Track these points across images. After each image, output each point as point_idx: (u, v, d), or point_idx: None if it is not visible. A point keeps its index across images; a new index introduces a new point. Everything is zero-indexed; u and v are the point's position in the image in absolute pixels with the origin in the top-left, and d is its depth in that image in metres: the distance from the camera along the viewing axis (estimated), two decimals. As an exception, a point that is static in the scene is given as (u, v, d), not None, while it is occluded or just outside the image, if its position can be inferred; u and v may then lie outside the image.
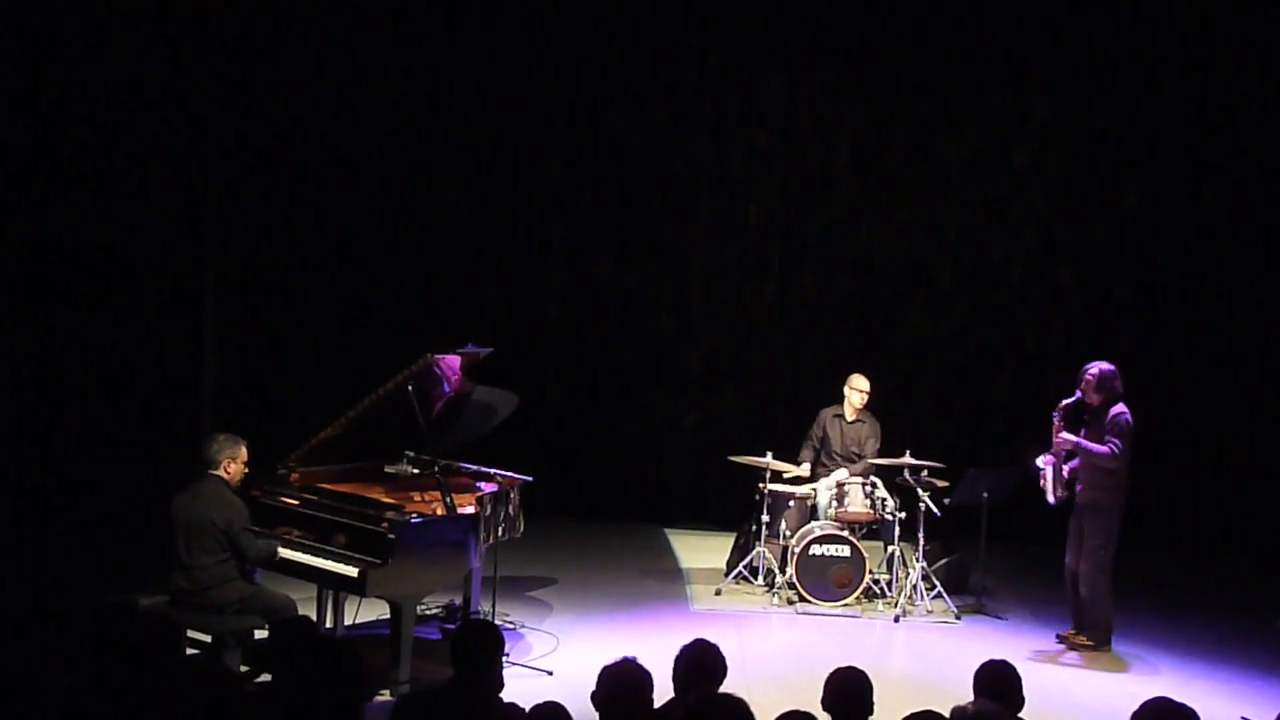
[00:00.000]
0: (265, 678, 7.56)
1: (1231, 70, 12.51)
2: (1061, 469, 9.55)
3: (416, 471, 8.88)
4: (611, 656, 5.23)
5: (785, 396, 13.04)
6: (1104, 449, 9.29)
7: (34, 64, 10.07)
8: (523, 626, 9.53)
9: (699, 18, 12.98)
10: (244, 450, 8.00)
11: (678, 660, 5.44)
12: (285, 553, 8.03)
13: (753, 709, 4.79)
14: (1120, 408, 9.38)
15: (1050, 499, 9.60)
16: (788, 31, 12.94)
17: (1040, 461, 9.63)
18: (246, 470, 8.05)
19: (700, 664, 5.42)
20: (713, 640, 5.51)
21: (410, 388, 8.18)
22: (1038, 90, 12.83)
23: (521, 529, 8.99)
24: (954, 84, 12.85)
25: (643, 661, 5.20)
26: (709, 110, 13.15)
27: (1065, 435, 9.49)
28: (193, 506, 7.78)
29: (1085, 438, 9.44)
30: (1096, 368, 9.48)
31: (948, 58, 12.80)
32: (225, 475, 7.90)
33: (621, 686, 5.10)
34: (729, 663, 5.52)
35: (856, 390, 11.14)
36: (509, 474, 8.98)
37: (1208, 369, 12.72)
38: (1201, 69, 12.57)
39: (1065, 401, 9.54)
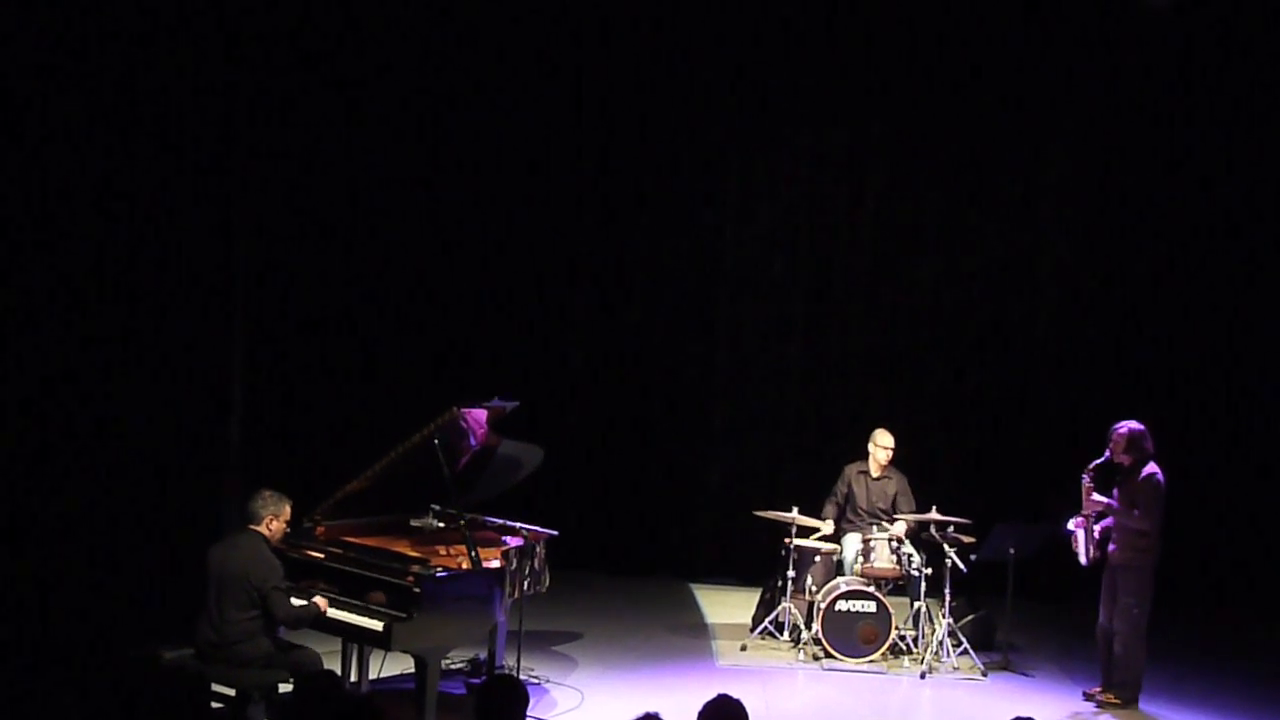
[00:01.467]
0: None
1: (1257, 121, 12.55)
2: (1093, 530, 9.47)
3: (442, 525, 8.86)
4: (635, 712, 5.20)
5: (811, 451, 13.01)
6: (1135, 513, 9.25)
7: (60, 96, 10.15)
8: (547, 681, 9.50)
9: (728, 74, 13.06)
10: (288, 509, 7.99)
11: (701, 716, 5.40)
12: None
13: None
14: (1151, 468, 9.33)
15: (1083, 560, 9.53)
16: (815, 87, 13.02)
17: (1071, 524, 9.56)
18: (287, 529, 8.05)
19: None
20: (738, 696, 5.45)
21: (436, 441, 8.19)
22: (1060, 143, 12.89)
23: (547, 583, 8.96)
24: (977, 138, 12.92)
25: (667, 717, 5.17)
26: (736, 164, 13.23)
27: (1097, 497, 9.45)
28: (228, 559, 7.77)
29: (1117, 497, 9.39)
30: (1125, 428, 9.42)
31: (971, 112, 12.87)
32: (266, 532, 7.89)
33: (646, 743, 5.08)
34: (754, 719, 5.49)
35: (881, 447, 11.12)
36: (534, 528, 8.97)
37: (1241, 422, 12.69)
38: (1225, 119, 12.62)
39: (1095, 462, 9.49)
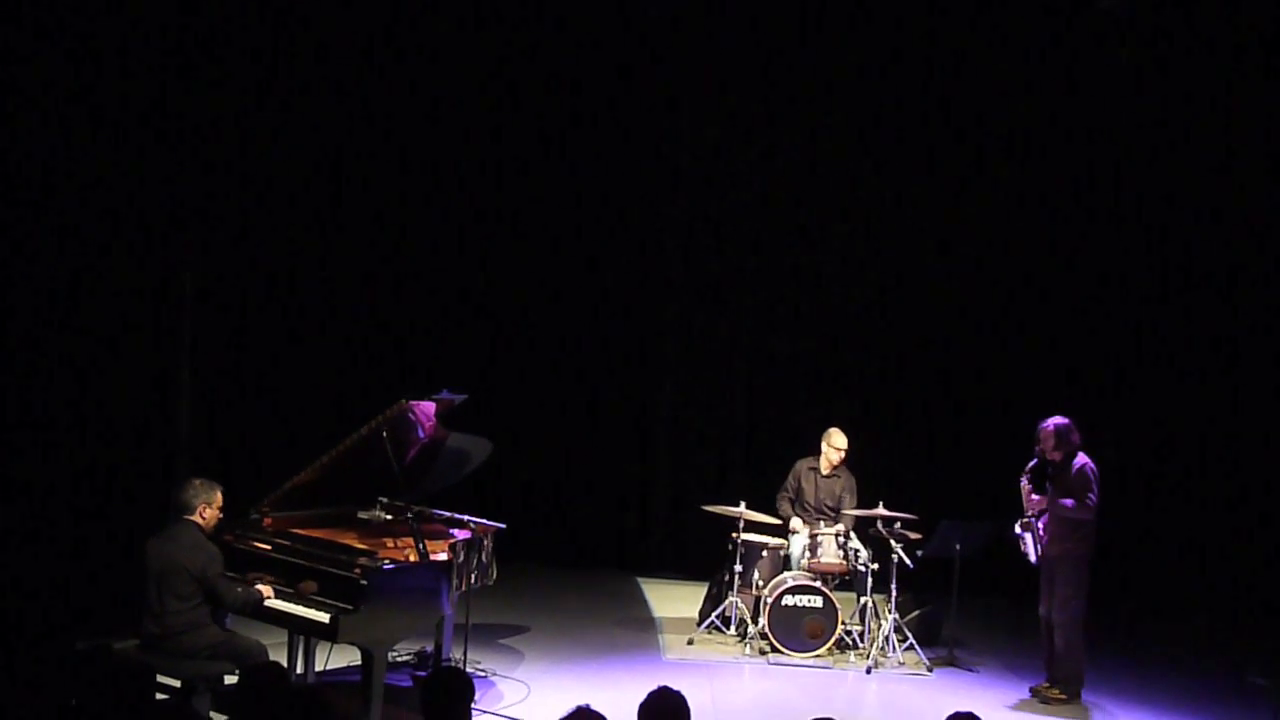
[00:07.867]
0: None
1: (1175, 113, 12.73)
2: (1038, 530, 9.57)
3: (390, 517, 8.84)
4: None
5: (759, 446, 13.06)
6: (1074, 503, 9.34)
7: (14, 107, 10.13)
8: (494, 674, 9.50)
9: (685, 54, 13.16)
10: (219, 495, 7.94)
11: (642, 710, 5.34)
12: (256, 598, 8.01)
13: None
14: (1082, 459, 9.47)
15: (1033, 560, 9.59)
16: (770, 83, 13.12)
17: (1017, 528, 9.63)
18: (221, 516, 8.01)
19: (663, 714, 5.32)
20: (684, 690, 5.39)
21: (385, 433, 8.17)
22: (1003, 144, 12.98)
23: (494, 576, 8.96)
24: (919, 135, 13.01)
25: (614, 711, 5.17)
26: (688, 161, 13.27)
27: (1036, 498, 9.55)
28: (166, 551, 7.71)
29: (1053, 493, 9.49)
30: (1051, 424, 9.54)
31: (915, 115, 12.96)
32: (200, 521, 7.84)
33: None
34: (701, 713, 5.47)
35: (834, 448, 11.15)
36: (482, 521, 8.96)
37: (1188, 421, 12.80)
38: (1160, 112, 12.78)
39: (1030, 464, 9.62)
